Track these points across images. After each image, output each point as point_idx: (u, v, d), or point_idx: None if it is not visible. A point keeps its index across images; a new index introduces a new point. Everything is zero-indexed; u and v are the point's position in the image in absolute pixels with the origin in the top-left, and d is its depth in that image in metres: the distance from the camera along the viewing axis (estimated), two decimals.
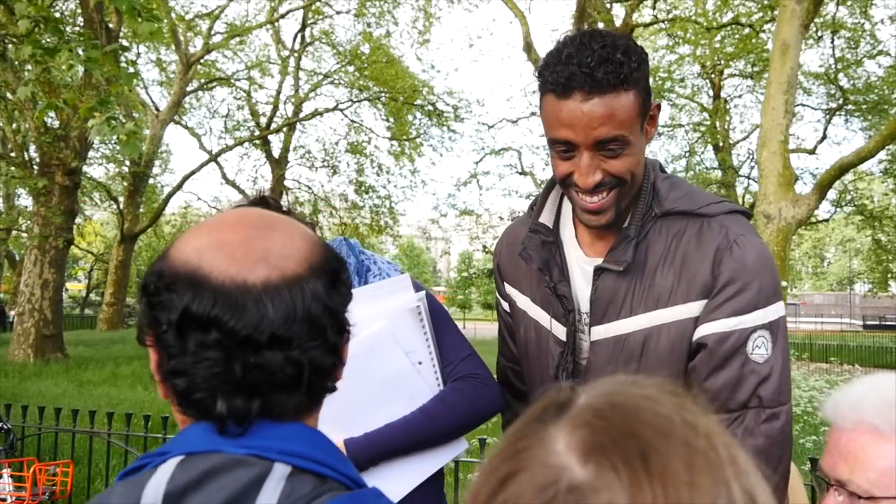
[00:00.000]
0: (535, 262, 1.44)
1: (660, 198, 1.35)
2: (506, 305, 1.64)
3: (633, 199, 1.36)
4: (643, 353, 1.33)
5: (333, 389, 0.78)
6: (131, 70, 5.48)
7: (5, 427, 4.07)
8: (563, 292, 1.43)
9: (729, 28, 23.56)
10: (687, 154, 28.52)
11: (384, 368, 1.60)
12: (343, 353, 0.79)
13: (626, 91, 1.24)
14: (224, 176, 26.36)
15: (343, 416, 1.59)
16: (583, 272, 1.43)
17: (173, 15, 18.54)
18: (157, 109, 23.33)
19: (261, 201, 1.72)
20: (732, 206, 1.36)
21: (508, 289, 1.61)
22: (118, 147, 20.35)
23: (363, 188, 25.41)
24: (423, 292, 1.64)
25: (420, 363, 1.62)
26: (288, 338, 0.71)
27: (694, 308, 1.30)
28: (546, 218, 1.48)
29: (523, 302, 1.56)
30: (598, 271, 1.38)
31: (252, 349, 0.69)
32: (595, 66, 1.22)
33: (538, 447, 0.45)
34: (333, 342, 0.75)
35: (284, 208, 1.73)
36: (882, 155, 21.02)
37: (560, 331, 1.46)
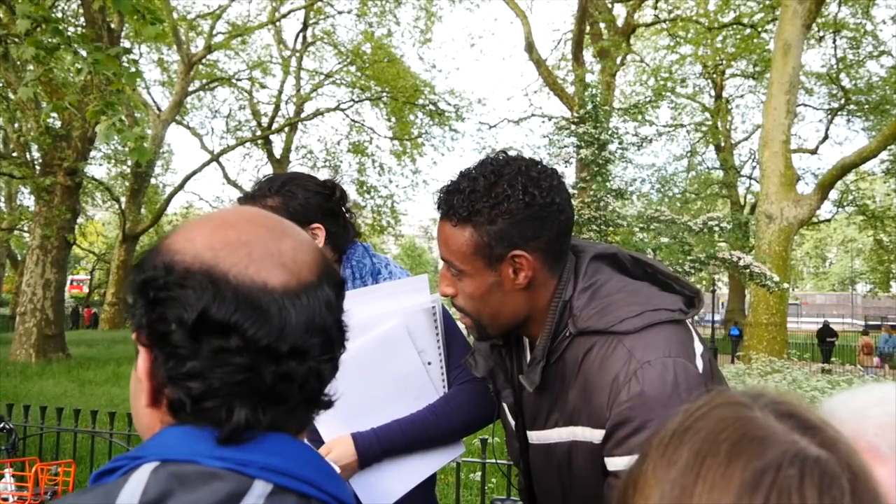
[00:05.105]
0: (479, 371, 1.44)
1: (574, 316, 1.28)
2: None
3: (542, 318, 1.32)
4: (570, 463, 1.30)
5: (330, 405, 0.73)
6: (133, 70, 5.48)
7: (7, 427, 4.06)
8: (507, 402, 1.43)
9: (730, 28, 23.55)
10: (688, 154, 28.53)
11: (396, 365, 1.60)
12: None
13: (455, 225, 1.25)
14: (226, 176, 26.45)
15: (353, 413, 1.59)
16: None
17: (175, 15, 18.53)
18: (158, 109, 23.34)
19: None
20: (653, 319, 1.23)
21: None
22: (120, 147, 20.39)
23: (365, 188, 25.42)
24: (438, 294, 1.65)
25: (429, 363, 1.63)
26: (305, 349, 0.65)
27: (597, 435, 1.24)
28: None
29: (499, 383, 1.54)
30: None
31: (273, 359, 0.64)
32: (445, 192, 1.27)
33: None
34: (338, 356, 0.71)
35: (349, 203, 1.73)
36: (884, 155, 21.01)
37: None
